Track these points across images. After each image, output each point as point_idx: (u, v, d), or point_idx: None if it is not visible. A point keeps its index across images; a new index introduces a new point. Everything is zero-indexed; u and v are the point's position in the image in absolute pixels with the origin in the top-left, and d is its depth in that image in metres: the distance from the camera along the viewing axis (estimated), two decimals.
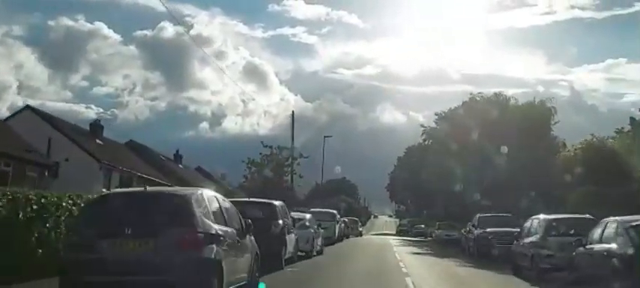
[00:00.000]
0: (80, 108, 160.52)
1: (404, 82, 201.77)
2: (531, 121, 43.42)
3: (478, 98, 48.09)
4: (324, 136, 49.91)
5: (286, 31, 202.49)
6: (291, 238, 17.50)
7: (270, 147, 36.43)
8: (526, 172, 40.59)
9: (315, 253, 22.75)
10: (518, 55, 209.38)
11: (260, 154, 36.78)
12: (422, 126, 61.93)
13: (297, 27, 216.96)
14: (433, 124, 59.39)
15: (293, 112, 38.57)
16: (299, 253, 20.38)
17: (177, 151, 49.85)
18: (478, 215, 26.58)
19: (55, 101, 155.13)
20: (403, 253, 26.34)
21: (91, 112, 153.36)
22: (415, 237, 66.37)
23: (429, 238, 61.88)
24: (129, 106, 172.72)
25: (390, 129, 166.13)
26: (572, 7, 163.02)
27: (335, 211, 35.36)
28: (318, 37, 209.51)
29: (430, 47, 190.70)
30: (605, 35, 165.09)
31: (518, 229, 24.08)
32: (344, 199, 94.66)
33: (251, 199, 18.39)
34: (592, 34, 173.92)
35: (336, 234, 34.61)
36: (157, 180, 37.89)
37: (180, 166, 49.13)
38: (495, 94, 46.93)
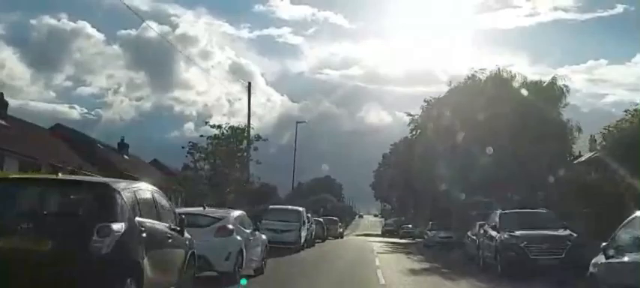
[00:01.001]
0: (64, 108, 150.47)
1: (390, 83, 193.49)
2: (540, 103, 34.58)
3: (478, 77, 38.88)
4: (297, 122, 41.04)
5: (272, 31, 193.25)
6: (159, 258, 8.20)
7: (219, 127, 27.42)
8: (539, 162, 31.80)
9: (253, 273, 13.76)
10: (502, 56, 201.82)
11: (201, 136, 27.67)
12: (409, 114, 53.25)
13: (283, 27, 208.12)
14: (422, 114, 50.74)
15: (249, 83, 29.65)
16: (211, 273, 11.42)
17: (123, 139, 40.51)
18: (499, 212, 17.49)
19: (37, 101, 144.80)
20: (390, 269, 17.27)
21: (75, 113, 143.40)
22: (403, 238, 57.39)
23: (419, 240, 52.91)
24: (113, 107, 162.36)
25: (376, 129, 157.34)
26: (556, 8, 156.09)
27: (301, 209, 26.28)
28: (304, 38, 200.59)
29: (416, 48, 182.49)
30: (587, 37, 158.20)
31: (567, 233, 15.52)
32: (326, 198, 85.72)
33: (35, 176, 9.22)
34: (574, 35, 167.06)
35: (303, 238, 25.53)
36: (79, 170, 28.39)
37: (126, 156, 39.78)
38: (499, 69, 37.80)
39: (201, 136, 27.53)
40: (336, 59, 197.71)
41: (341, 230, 50.83)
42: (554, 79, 36.45)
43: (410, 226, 62.20)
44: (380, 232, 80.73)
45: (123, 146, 40.20)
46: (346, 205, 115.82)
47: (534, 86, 36.78)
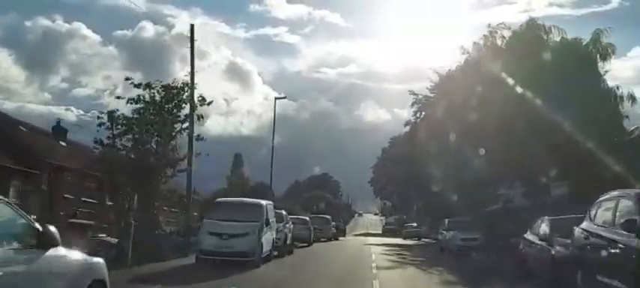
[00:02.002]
0: (60, 110, 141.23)
1: (387, 80, 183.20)
2: (579, 66, 25.21)
3: (500, 38, 29.42)
4: (275, 98, 31.61)
5: (268, 30, 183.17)
6: None
7: (148, 86, 17.95)
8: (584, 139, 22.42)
9: None
10: None
11: (118, 97, 18.13)
12: (413, 93, 44.18)
13: (280, 27, 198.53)
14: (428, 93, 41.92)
15: (192, 26, 20.44)
16: None
17: (59, 123, 31.18)
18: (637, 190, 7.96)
19: (34, 103, 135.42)
20: None
21: (71, 114, 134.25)
22: (407, 239, 47.98)
23: (427, 241, 43.62)
24: (110, 108, 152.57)
25: (374, 127, 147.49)
26: (551, 4, 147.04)
27: (264, 203, 16.86)
28: (300, 37, 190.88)
29: (413, 45, 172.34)
30: (582, 32, 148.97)
31: None
32: (320, 195, 76.33)
33: None
34: (570, 31, 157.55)
35: (267, 245, 16.20)
36: None
37: (62, 143, 30.49)
38: (528, 22, 28.38)
39: (118, 97, 18.15)
40: (333, 58, 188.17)
41: (335, 230, 41.42)
42: (597, 33, 26.82)
43: (414, 224, 52.76)
44: (380, 232, 71.48)
45: (59, 131, 30.88)
46: (344, 203, 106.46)
47: (573, 45, 27.47)
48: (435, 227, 45.07)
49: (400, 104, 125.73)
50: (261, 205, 16.52)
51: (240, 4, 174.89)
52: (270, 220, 16.85)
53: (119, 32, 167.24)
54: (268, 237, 16.64)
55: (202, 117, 18.78)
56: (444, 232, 25.23)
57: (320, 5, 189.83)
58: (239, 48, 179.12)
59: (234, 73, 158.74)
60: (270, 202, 18.23)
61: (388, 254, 23.79)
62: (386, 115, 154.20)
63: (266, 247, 16.23)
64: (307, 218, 30.62)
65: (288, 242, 20.78)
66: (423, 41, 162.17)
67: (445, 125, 31.47)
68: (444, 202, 38.21)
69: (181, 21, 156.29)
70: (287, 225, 20.98)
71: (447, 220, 25.84)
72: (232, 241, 14.98)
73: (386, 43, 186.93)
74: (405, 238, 47.81)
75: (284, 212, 21.50)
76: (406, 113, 47.19)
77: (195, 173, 19.54)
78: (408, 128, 46.16)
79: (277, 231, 19.57)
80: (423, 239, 46.32)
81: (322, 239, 37.27)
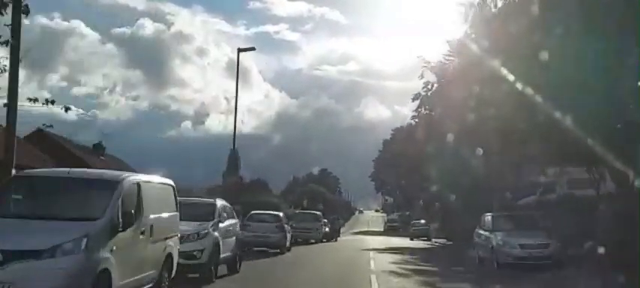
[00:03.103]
0: (59, 109, 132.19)
1: (388, 78, 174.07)
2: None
3: None
4: (238, 49, 21.90)
5: (269, 28, 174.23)
6: None
7: None
8: None
9: None
10: None
11: None
12: (424, 62, 34.57)
13: (280, 24, 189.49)
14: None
15: None
16: None
17: None
18: None
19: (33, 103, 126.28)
20: None
21: (71, 113, 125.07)
22: (414, 239, 38.20)
23: (441, 243, 33.61)
24: (110, 107, 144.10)
25: (374, 125, 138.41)
26: None
27: (132, 178, 7.16)
28: (301, 34, 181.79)
29: (413, 41, 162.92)
30: None
31: None
32: (315, 190, 66.57)
33: None
34: None
35: (119, 280, 6.38)
36: None
37: None
38: None
39: None
40: (333, 55, 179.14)
41: (327, 230, 31.64)
42: None
43: (422, 221, 42.76)
44: (382, 229, 61.93)
45: None
46: (344, 200, 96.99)
47: None
48: (445, 224, 35.59)
49: (401, 101, 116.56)
50: (112, 183, 6.72)
51: (241, 2, 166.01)
52: (147, 218, 7.11)
53: (118, 30, 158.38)
54: (136, 256, 6.96)
55: (28, 11, 9.00)
56: (486, 233, 15.24)
57: (320, 2, 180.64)
58: (239, 45, 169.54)
59: (235, 70, 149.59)
60: (166, 181, 8.43)
61: (399, 271, 14.03)
62: (386, 112, 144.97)
63: (122, 281, 6.52)
64: (280, 214, 20.79)
65: (223, 254, 11.05)
66: (423, 38, 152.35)
67: (464, 93, 21.99)
68: (458, 192, 28.87)
69: (181, 19, 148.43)
70: (221, 225, 11.19)
71: (489, 216, 15.79)
72: (9, 271, 5.33)
73: (386, 40, 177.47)
74: (412, 239, 37.94)
75: (219, 203, 11.72)
76: (407, 110, 38.74)
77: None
78: (416, 103, 37.22)
79: (198, 236, 10.04)
80: (433, 240, 36.49)
81: (311, 241, 27.83)
